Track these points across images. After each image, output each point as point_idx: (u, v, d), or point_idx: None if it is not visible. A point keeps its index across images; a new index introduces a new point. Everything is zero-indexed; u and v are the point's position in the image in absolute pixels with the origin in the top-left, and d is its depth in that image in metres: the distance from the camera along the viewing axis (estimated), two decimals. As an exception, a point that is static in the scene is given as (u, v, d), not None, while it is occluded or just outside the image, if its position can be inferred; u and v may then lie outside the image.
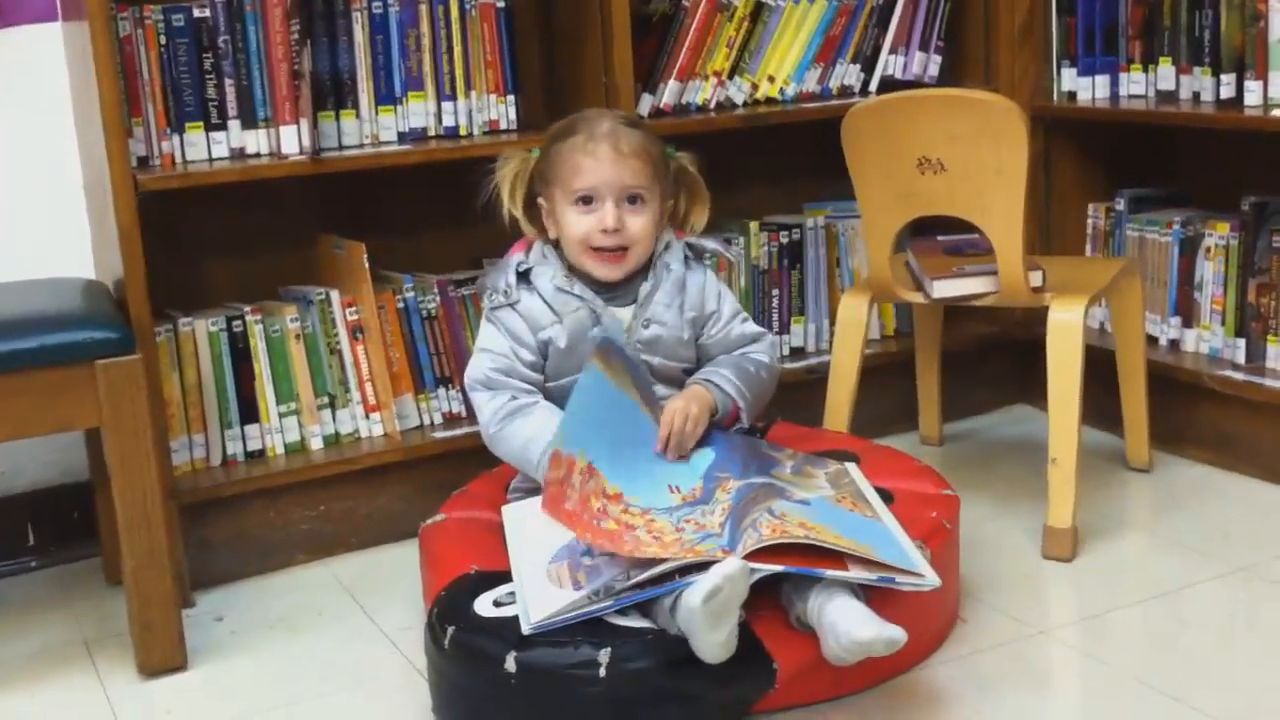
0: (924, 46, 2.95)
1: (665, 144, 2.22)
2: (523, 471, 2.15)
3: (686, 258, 2.23)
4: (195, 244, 2.58)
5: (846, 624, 1.77)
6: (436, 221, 2.74)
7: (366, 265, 2.51)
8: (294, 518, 2.48)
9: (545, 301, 2.16)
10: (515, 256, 2.21)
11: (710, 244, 2.27)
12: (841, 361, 2.53)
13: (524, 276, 2.18)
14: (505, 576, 1.94)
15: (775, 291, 2.91)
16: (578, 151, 2.11)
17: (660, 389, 2.17)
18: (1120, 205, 2.93)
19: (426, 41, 2.55)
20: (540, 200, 2.20)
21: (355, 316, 2.55)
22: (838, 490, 2.04)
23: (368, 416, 2.56)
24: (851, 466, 2.16)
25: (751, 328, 2.27)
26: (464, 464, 2.41)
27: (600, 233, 2.11)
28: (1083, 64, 2.90)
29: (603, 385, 2.03)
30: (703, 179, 2.25)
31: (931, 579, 1.86)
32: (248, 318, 2.48)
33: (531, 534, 2.00)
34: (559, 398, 2.14)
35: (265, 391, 2.49)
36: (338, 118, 2.52)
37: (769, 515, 1.86)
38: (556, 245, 2.20)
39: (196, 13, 2.39)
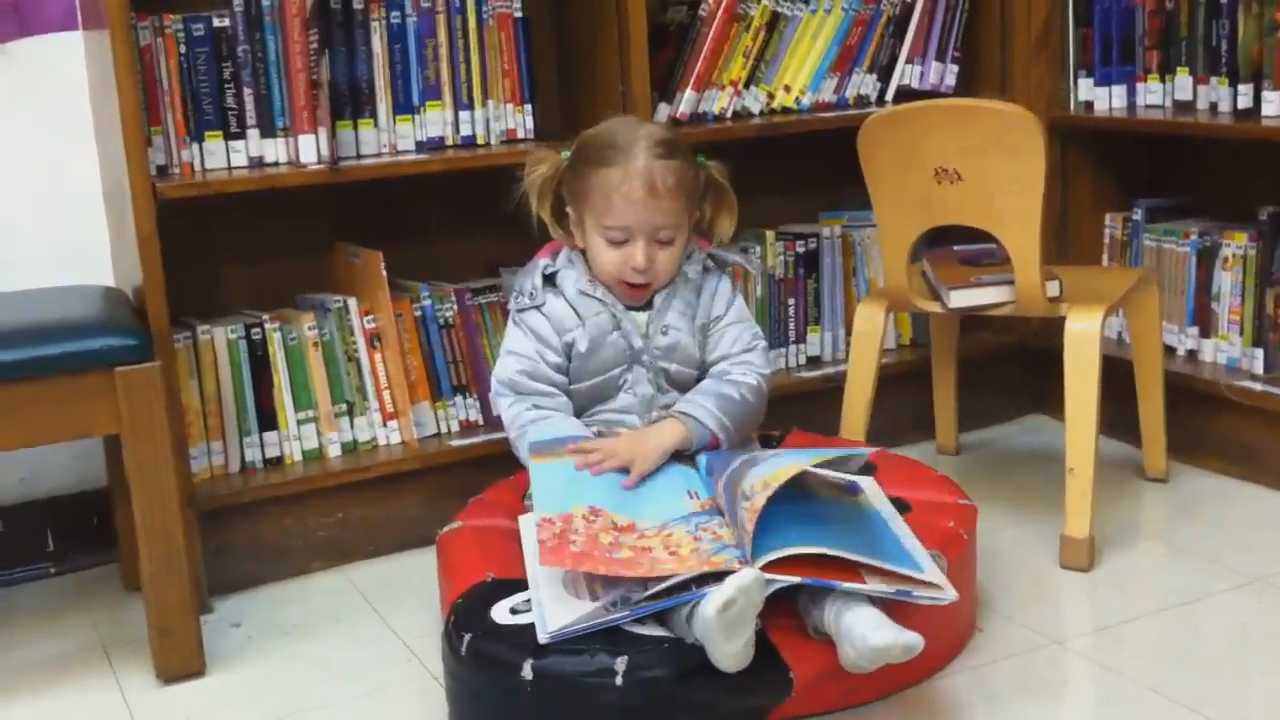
0: (940, 56, 2.96)
1: (695, 152, 2.19)
2: None
3: (707, 267, 2.23)
4: (213, 252, 2.59)
5: (863, 629, 1.77)
6: (453, 230, 2.75)
7: (384, 274, 2.52)
8: (311, 525, 2.48)
9: (569, 304, 2.17)
10: (542, 260, 2.22)
11: (732, 256, 2.27)
12: (858, 371, 2.54)
13: (549, 280, 2.19)
14: (522, 584, 1.94)
15: (791, 301, 2.91)
16: (611, 188, 2.09)
17: (675, 395, 2.18)
18: (1137, 215, 2.92)
19: (444, 51, 2.56)
20: (568, 209, 2.20)
21: (373, 325, 2.56)
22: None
23: (385, 424, 2.57)
24: (869, 481, 2.14)
25: (747, 338, 2.22)
26: (481, 472, 2.42)
27: (630, 269, 2.12)
28: (1099, 74, 2.90)
29: (553, 468, 2.03)
30: (731, 187, 2.24)
31: (949, 593, 1.85)
32: (266, 325, 2.49)
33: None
34: (580, 399, 2.17)
35: (283, 399, 2.50)
36: (356, 127, 2.52)
37: (754, 479, 1.86)
38: (583, 251, 2.20)
39: (216, 22, 2.40)
